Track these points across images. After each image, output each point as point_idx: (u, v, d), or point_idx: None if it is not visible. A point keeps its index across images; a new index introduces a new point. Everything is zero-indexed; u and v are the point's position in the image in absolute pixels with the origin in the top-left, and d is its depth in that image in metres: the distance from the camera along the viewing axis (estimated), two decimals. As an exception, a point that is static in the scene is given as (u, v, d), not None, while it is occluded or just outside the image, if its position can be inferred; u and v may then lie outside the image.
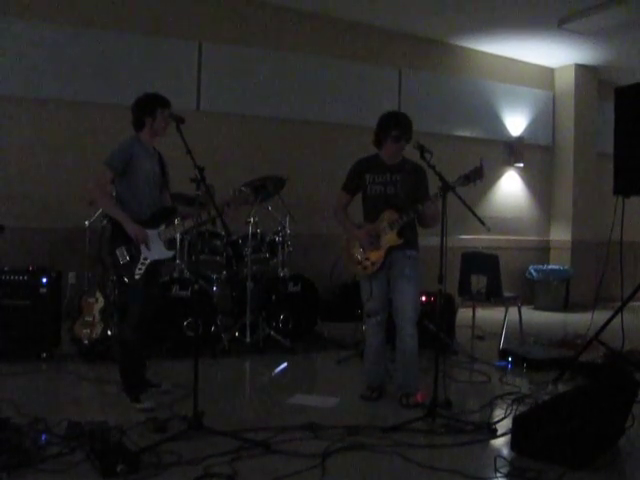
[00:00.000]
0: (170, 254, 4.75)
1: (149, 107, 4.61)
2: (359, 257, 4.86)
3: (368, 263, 4.81)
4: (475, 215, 4.36)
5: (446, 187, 4.36)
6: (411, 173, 4.82)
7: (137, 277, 4.50)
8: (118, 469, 3.25)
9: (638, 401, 4.15)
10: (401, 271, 4.77)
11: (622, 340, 5.54)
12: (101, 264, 6.27)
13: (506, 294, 7.07)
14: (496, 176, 10.59)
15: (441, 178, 4.37)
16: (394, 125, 4.79)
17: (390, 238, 4.75)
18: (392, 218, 4.74)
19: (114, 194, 4.71)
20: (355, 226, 4.95)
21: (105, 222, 5.89)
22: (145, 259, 4.52)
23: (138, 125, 4.68)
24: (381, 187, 4.85)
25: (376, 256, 4.79)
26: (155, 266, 4.64)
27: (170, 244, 4.74)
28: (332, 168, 8.81)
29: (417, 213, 4.68)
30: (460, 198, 4.40)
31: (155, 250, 4.56)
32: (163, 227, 4.61)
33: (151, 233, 4.54)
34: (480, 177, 4.53)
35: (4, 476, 3.18)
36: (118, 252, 4.50)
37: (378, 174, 4.87)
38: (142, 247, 4.51)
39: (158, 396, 4.66)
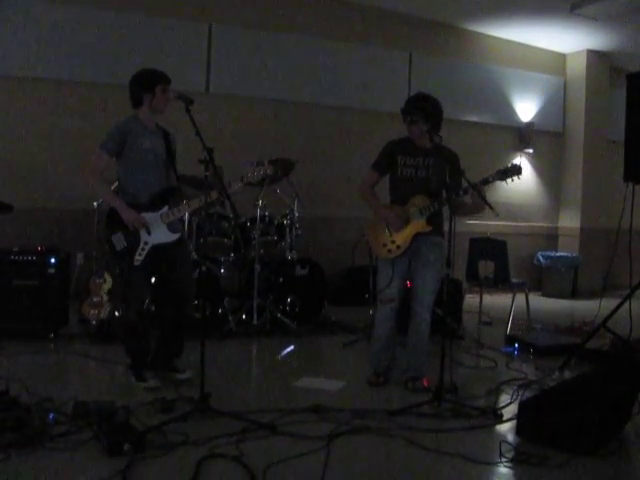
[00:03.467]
0: (174, 237, 4.56)
1: (147, 83, 4.47)
2: (385, 239, 4.77)
3: (394, 246, 4.72)
4: (484, 200, 4.35)
5: (456, 171, 4.35)
6: (445, 159, 4.63)
7: (137, 263, 4.41)
8: (125, 448, 3.28)
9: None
10: (426, 258, 4.72)
11: (630, 327, 5.53)
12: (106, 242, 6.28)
13: (514, 280, 7.07)
14: (506, 162, 10.38)
15: (452, 165, 4.37)
16: (407, 108, 4.75)
17: (419, 224, 4.67)
18: (423, 204, 4.66)
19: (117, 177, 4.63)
20: (383, 206, 4.87)
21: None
22: (145, 244, 4.42)
23: (136, 102, 4.53)
24: (412, 170, 4.76)
25: (402, 240, 4.70)
26: (166, 251, 4.52)
27: (176, 226, 4.61)
28: (342, 152, 8.84)
29: (456, 201, 4.57)
30: (469, 183, 4.40)
31: (157, 234, 4.46)
32: (166, 209, 4.49)
33: (151, 216, 4.44)
34: (518, 174, 4.46)
35: (12, 453, 3.21)
36: (114, 239, 4.41)
37: (410, 156, 4.77)
38: (142, 232, 4.41)
39: (178, 382, 4.55)
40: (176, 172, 4.68)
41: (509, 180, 4.49)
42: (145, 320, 4.65)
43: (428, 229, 4.68)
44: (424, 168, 4.74)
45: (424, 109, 4.68)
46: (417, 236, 4.70)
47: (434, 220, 4.70)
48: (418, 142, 4.77)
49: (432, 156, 4.71)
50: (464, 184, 4.51)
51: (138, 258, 4.41)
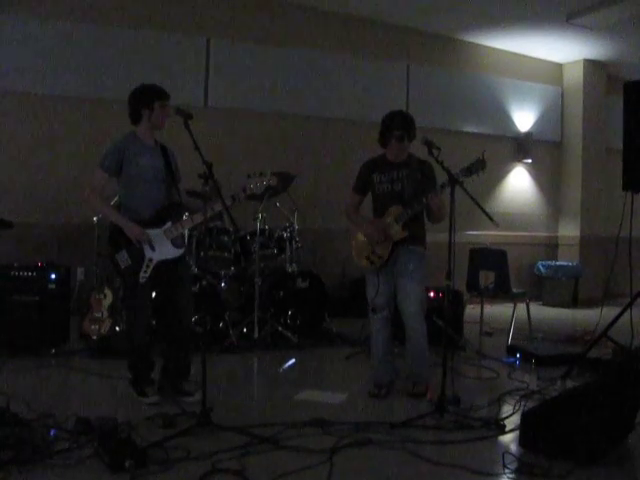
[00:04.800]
0: (179, 252, 4.54)
1: (146, 99, 4.46)
2: (367, 251, 4.88)
3: (375, 257, 4.84)
4: (483, 211, 4.35)
5: (453, 181, 4.36)
6: (417, 168, 4.84)
7: (142, 281, 4.39)
8: (126, 464, 3.26)
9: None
10: (405, 267, 4.79)
11: (631, 336, 5.52)
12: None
13: (514, 290, 7.05)
14: (504, 172, 10.57)
15: (449, 174, 4.38)
16: (396, 125, 4.81)
17: (396, 232, 4.76)
18: (397, 212, 4.76)
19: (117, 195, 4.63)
20: (364, 221, 5.00)
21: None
22: (150, 261, 4.40)
23: (135, 118, 4.52)
24: (388, 185, 4.89)
25: (383, 250, 4.81)
26: (167, 267, 4.49)
27: (179, 241, 4.59)
28: (340, 164, 8.85)
29: (422, 206, 4.70)
30: (468, 193, 4.40)
31: (161, 250, 4.44)
32: (169, 225, 4.46)
33: (155, 232, 4.41)
34: (482, 168, 4.51)
35: (14, 470, 3.19)
36: (118, 257, 4.40)
37: (385, 173, 4.91)
38: (146, 248, 4.38)
39: (186, 405, 4.41)
40: (177, 187, 4.65)
41: (475, 176, 4.51)
42: (147, 335, 4.63)
43: (404, 235, 4.75)
44: (398, 181, 4.87)
45: (413, 126, 4.86)
46: (396, 245, 4.79)
47: (411, 229, 4.77)
48: (393, 158, 4.91)
49: (405, 168, 4.87)
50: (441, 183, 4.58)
51: (144, 275, 4.40)
